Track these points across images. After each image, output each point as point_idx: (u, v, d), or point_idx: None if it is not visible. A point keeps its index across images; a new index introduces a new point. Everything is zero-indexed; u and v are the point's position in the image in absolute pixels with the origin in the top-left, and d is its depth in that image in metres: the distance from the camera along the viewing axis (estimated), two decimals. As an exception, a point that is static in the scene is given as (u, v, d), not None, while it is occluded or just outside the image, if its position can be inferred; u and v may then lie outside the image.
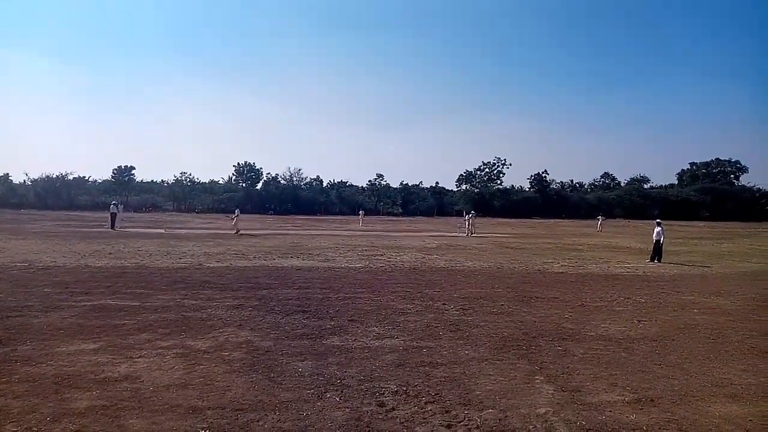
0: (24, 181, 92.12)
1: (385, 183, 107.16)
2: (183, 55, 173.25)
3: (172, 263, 15.98)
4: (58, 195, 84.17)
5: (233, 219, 33.69)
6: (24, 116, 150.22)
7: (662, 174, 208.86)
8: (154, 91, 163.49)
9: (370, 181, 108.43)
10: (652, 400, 5.39)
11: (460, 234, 35.94)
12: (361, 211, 57.39)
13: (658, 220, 21.36)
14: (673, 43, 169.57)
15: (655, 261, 19.52)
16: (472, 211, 41.23)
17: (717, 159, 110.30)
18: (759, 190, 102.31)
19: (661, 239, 20.02)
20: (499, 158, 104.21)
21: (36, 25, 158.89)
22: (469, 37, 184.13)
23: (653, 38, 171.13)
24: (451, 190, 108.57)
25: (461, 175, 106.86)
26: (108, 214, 35.47)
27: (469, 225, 36.42)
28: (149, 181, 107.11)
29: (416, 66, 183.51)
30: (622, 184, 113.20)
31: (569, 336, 8.04)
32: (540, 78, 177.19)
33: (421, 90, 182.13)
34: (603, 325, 8.87)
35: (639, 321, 9.32)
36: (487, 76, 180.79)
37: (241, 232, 32.33)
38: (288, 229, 38.41)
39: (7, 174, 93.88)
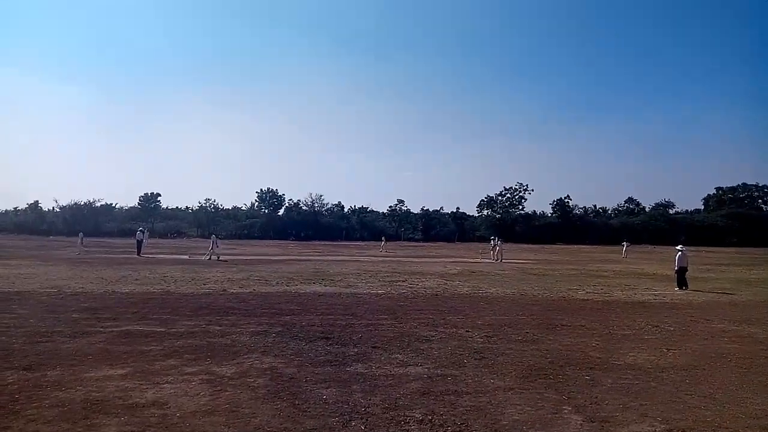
0: (53, 208, 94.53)
1: (405, 209, 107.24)
2: (206, 83, 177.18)
3: (197, 289, 16.17)
4: (86, 222, 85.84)
5: (210, 244, 32.86)
6: (54, 145, 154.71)
7: (687, 199, 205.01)
8: (180, 120, 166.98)
9: (390, 206, 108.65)
10: (684, 431, 5.26)
11: (485, 260, 35.77)
12: (383, 237, 57.85)
13: (679, 246, 20.97)
14: (699, 68, 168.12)
15: (682, 288, 19.11)
16: (494, 237, 41.04)
17: (744, 184, 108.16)
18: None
19: (685, 265, 19.66)
20: (521, 183, 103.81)
21: (68, 56, 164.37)
22: (489, 63, 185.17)
23: (679, 63, 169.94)
24: (472, 216, 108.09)
25: (482, 200, 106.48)
26: (134, 241, 36.10)
27: (497, 251, 36.26)
28: (174, 207, 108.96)
29: (436, 92, 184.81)
30: (647, 210, 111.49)
31: (597, 365, 7.90)
32: (562, 103, 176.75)
33: (441, 116, 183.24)
34: (631, 354, 8.69)
35: (668, 350, 9.11)
36: (508, 101, 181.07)
37: (221, 257, 31.72)
38: (309, 255, 38.58)
39: (37, 201, 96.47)
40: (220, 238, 78.59)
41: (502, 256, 36.22)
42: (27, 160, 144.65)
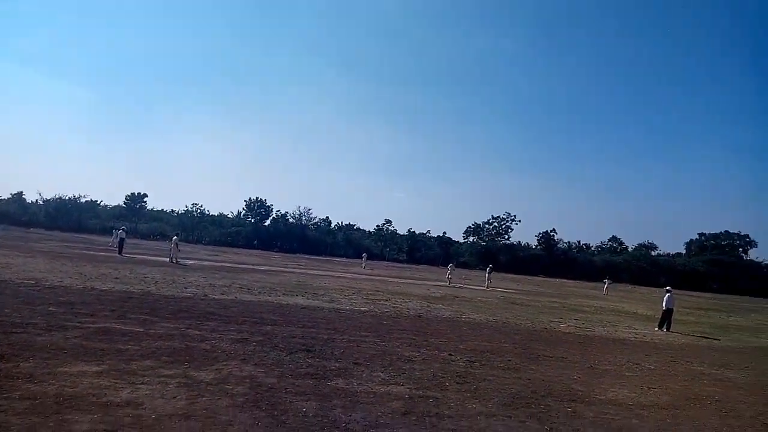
0: (36, 200, 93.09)
1: (392, 229, 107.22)
2: (200, 91, 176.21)
3: (178, 292, 15.92)
4: (69, 216, 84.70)
5: (171, 245, 31.64)
6: (43, 138, 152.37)
7: (670, 242, 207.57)
8: (174, 123, 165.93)
9: (377, 226, 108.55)
10: (666, 471, 5.21)
11: (468, 285, 35.98)
12: (363, 255, 57.09)
13: (668, 287, 21.06)
14: (686, 117, 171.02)
15: (663, 329, 19.19)
16: (490, 266, 41.05)
17: (726, 231, 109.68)
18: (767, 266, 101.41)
19: (672, 307, 19.75)
20: (508, 213, 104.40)
21: (63, 51, 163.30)
22: (485, 99, 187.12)
23: (666, 111, 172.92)
24: (458, 242, 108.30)
25: (469, 227, 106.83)
26: (115, 239, 35.29)
27: (448, 276, 37.25)
28: (160, 209, 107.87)
29: (432, 122, 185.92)
30: (629, 249, 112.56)
31: (579, 398, 7.85)
32: (553, 139, 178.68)
33: (434, 143, 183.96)
34: (612, 390, 8.67)
35: (649, 388, 9.11)
36: (500, 133, 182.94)
37: (179, 261, 30.71)
38: (293, 267, 38.26)
39: (21, 192, 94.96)
40: (203, 244, 77.97)
41: (490, 282, 36.63)
42: (13, 150, 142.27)
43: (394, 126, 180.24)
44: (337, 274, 35.14)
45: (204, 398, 5.99)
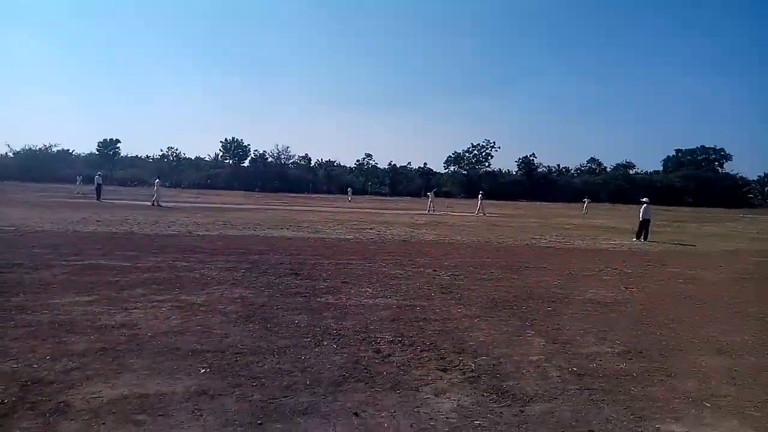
0: (6, 153, 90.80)
1: (373, 163, 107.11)
2: (173, 33, 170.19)
3: (161, 231, 15.91)
4: (41, 167, 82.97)
5: (155, 188, 31.40)
6: (8, 90, 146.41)
7: (648, 160, 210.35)
8: (146, 66, 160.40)
9: (358, 161, 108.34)
10: (641, 352, 5.54)
11: (432, 212, 36.30)
12: (349, 189, 58.87)
13: (644, 199, 21.45)
14: (661, 35, 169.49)
15: (641, 239, 19.78)
16: (481, 193, 40.76)
17: (702, 146, 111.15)
18: (741, 178, 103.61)
19: (649, 217, 20.27)
20: (488, 141, 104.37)
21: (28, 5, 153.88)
22: (457, 21, 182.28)
23: (641, 29, 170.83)
24: (439, 172, 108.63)
25: (449, 156, 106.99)
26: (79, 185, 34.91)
27: (430, 204, 37.31)
28: (134, 156, 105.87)
29: (404, 49, 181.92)
30: (608, 170, 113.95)
31: (558, 299, 8.19)
32: (528, 64, 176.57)
33: (409, 73, 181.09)
34: (591, 291, 9.04)
35: (626, 288, 9.51)
36: (476, 60, 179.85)
37: (161, 204, 30.29)
38: (276, 205, 38.26)
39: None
40: (182, 187, 77.22)
41: (484, 211, 36.50)
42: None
43: (366, 58, 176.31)
44: (320, 209, 35.28)
45: (197, 317, 6.14)
